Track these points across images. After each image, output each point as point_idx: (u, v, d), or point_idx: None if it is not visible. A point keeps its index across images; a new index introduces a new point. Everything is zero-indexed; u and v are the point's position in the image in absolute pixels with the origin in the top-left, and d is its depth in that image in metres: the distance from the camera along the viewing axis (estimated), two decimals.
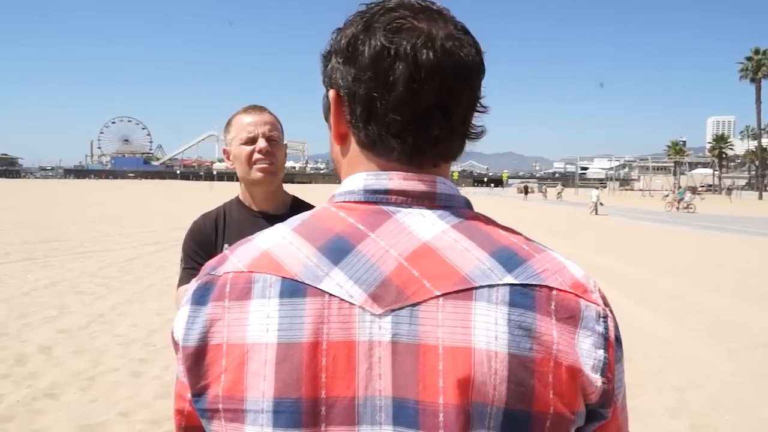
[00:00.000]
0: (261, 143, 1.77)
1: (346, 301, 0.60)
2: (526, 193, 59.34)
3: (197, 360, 0.63)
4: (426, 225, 0.64)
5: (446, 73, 0.62)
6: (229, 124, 1.84)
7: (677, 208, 32.98)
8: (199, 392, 0.63)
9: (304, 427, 0.58)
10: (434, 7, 0.66)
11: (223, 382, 0.61)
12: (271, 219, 1.64)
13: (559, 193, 59.11)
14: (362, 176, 0.67)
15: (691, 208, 31.03)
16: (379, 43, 0.62)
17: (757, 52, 66.70)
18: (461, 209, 0.67)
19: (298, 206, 1.86)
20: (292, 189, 1.95)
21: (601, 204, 30.46)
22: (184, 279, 1.75)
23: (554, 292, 0.60)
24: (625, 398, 0.67)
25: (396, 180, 0.65)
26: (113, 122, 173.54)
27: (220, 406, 0.61)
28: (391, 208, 0.65)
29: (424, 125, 0.64)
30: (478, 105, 0.68)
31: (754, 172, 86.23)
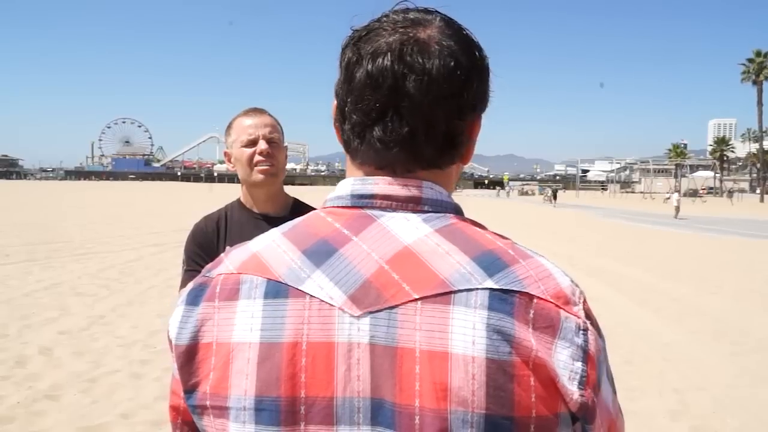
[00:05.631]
0: (262, 145, 1.78)
1: (327, 303, 0.61)
2: (555, 197, 49.65)
3: (189, 358, 0.65)
4: (409, 229, 0.64)
5: (399, 77, 0.63)
6: (229, 126, 1.86)
7: (550, 200, 49.25)
8: (190, 389, 0.65)
9: (284, 425, 0.60)
10: (422, 17, 0.67)
11: (210, 380, 0.63)
12: (273, 221, 1.64)
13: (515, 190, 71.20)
14: (350, 181, 0.69)
15: (552, 201, 46.17)
16: (352, 51, 0.66)
17: (758, 54, 66.71)
18: (448, 214, 0.67)
19: (300, 208, 1.86)
20: (292, 191, 1.95)
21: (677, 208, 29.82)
22: (186, 281, 1.75)
23: (534, 300, 0.59)
24: (617, 403, 0.66)
25: (381, 185, 0.66)
26: (114, 123, 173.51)
27: (208, 402, 0.63)
28: (376, 213, 0.66)
29: (380, 127, 0.65)
30: (456, 115, 0.66)
31: (755, 175, 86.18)
